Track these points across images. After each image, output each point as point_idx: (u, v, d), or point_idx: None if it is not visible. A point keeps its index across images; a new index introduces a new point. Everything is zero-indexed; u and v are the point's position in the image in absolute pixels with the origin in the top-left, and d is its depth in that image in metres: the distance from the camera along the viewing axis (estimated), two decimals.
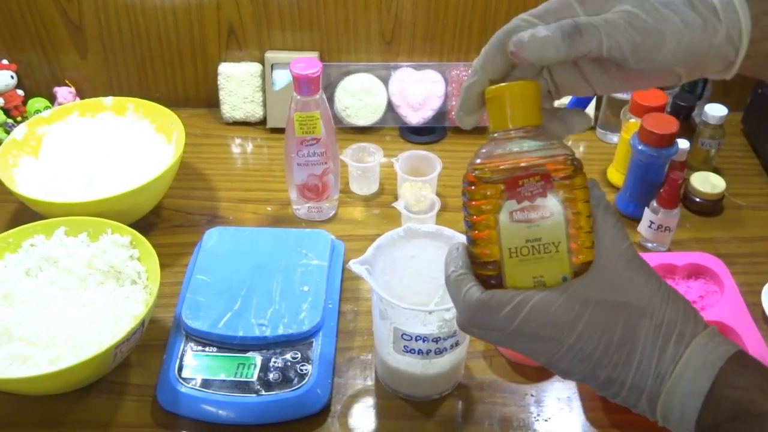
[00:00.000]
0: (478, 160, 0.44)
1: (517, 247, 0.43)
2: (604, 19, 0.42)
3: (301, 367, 0.73)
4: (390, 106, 1.14)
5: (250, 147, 1.13)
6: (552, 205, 0.43)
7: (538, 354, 0.44)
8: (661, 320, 0.42)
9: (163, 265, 0.78)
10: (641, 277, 0.43)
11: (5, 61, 1.13)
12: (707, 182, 0.98)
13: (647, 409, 0.43)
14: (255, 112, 1.15)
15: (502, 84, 0.44)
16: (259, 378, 0.72)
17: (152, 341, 0.79)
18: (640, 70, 0.43)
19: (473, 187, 0.43)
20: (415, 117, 1.13)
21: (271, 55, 1.12)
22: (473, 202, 0.43)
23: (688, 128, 1.00)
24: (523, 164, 0.42)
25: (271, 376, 0.72)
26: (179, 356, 0.74)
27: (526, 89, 0.43)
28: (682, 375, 0.41)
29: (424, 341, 0.68)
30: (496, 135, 0.45)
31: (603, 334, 0.42)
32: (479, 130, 1.14)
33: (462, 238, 0.71)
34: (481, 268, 0.45)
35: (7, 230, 0.81)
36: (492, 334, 0.44)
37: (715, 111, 0.99)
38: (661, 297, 0.43)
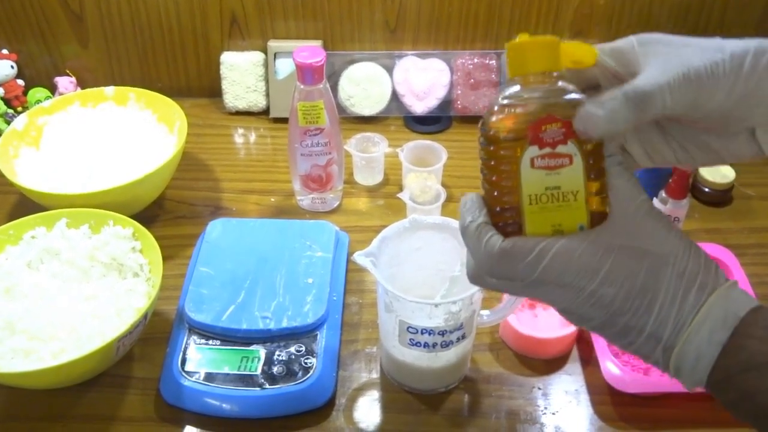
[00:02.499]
0: (497, 107, 0.44)
1: (537, 194, 0.43)
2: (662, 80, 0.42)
3: (306, 360, 0.73)
4: (394, 96, 1.13)
5: (253, 137, 1.12)
6: (572, 152, 0.43)
7: (557, 301, 0.44)
8: (683, 269, 0.42)
9: (165, 257, 0.77)
10: (662, 227, 0.43)
11: (5, 51, 1.12)
12: (716, 172, 0.97)
13: (660, 359, 0.43)
14: (258, 101, 1.14)
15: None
16: (263, 371, 0.72)
17: (155, 334, 0.78)
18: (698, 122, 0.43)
19: (492, 132, 0.43)
20: (420, 106, 1.12)
21: (274, 44, 1.11)
22: (493, 147, 0.43)
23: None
24: (544, 110, 0.42)
25: (275, 369, 0.72)
26: (182, 349, 0.74)
27: (545, 38, 0.44)
28: (702, 324, 0.41)
29: (430, 334, 0.67)
30: (515, 80, 0.44)
31: (625, 280, 0.42)
32: None
33: None
34: (499, 216, 0.45)
35: (8, 222, 0.81)
36: (511, 284, 0.44)
37: None
38: (683, 247, 0.43)
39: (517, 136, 0.43)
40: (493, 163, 0.44)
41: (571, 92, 0.43)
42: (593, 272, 0.42)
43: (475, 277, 0.46)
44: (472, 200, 0.46)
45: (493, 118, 0.43)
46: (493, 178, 0.44)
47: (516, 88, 0.44)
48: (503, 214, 0.44)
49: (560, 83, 0.44)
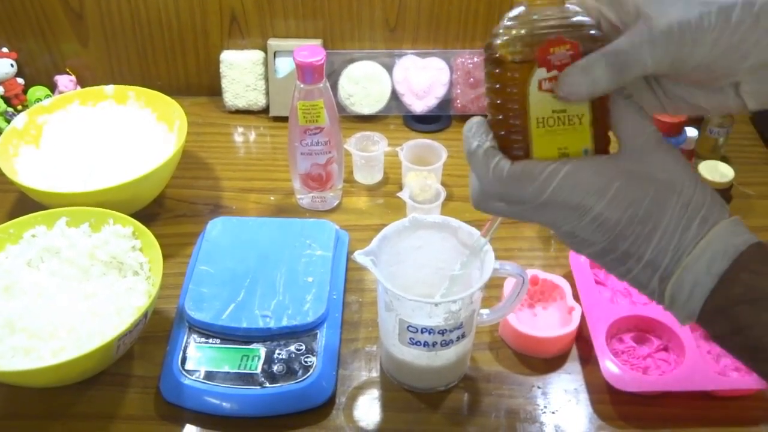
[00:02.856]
0: (502, 29, 0.43)
1: (544, 117, 0.44)
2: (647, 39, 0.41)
3: (306, 359, 0.73)
4: (394, 95, 1.13)
5: (252, 136, 1.12)
6: None
7: (562, 223, 0.44)
8: (688, 200, 0.42)
9: (165, 256, 0.77)
10: (670, 157, 0.43)
11: (5, 49, 1.12)
12: (715, 171, 0.97)
13: (656, 289, 0.44)
14: (258, 100, 1.14)
15: None
16: (263, 370, 0.72)
17: (155, 333, 0.78)
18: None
19: (499, 55, 0.43)
20: (420, 105, 1.12)
21: (273, 43, 1.11)
22: (499, 70, 0.43)
23: (697, 116, 0.99)
24: (552, 32, 0.42)
25: (275, 368, 0.72)
26: (182, 348, 0.74)
27: None
28: (701, 254, 0.41)
29: (429, 333, 0.67)
30: (521, 2, 0.44)
31: (630, 205, 0.42)
32: None
33: (469, 230, 0.70)
34: (505, 140, 0.45)
35: (8, 221, 0.81)
36: (517, 207, 0.45)
37: None
38: (690, 179, 0.43)
39: (525, 58, 0.42)
40: (498, 86, 0.44)
41: (579, 15, 0.43)
42: (600, 193, 0.42)
43: (480, 202, 0.46)
44: (478, 124, 0.46)
45: (499, 41, 0.43)
46: (499, 102, 0.44)
47: (522, 9, 0.43)
48: (509, 137, 0.44)
49: (567, 5, 0.43)
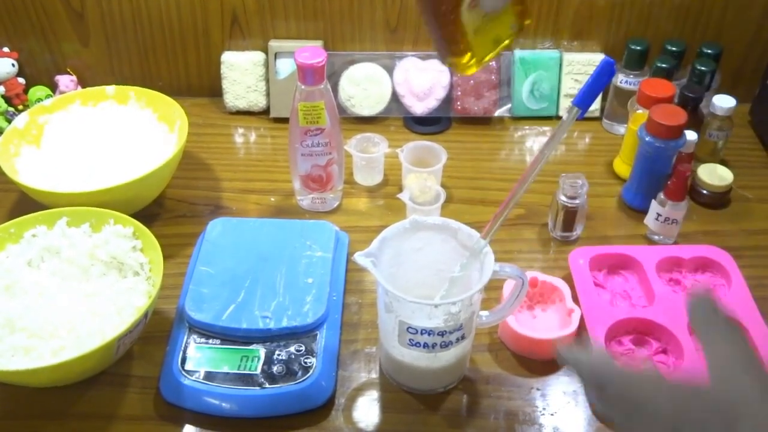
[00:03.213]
0: None
1: (477, 25, 0.56)
2: None
3: (305, 360, 0.73)
4: (395, 96, 1.13)
5: (253, 137, 1.13)
6: None
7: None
8: (762, 422, 0.42)
9: (166, 256, 0.77)
10: (746, 381, 0.44)
11: (6, 49, 1.12)
12: (714, 174, 0.97)
13: None
14: (258, 101, 1.14)
15: None
16: (262, 371, 0.72)
17: (155, 333, 0.78)
18: None
19: None
20: (420, 107, 1.12)
21: (274, 44, 1.11)
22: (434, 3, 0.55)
23: (696, 120, 0.99)
24: None
25: (275, 368, 0.72)
26: (182, 348, 0.74)
27: None
28: None
29: (429, 335, 0.67)
30: None
31: (702, 424, 0.43)
32: (484, 121, 1.14)
33: (469, 232, 0.70)
34: (449, 49, 0.57)
35: (9, 220, 0.81)
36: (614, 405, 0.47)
37: (723, 102, 0.98)
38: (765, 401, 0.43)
39: None
40: (434, 12, 0.55)
41: None
42: (677, 414, 0.44)
43: (601, 401, 0.49)
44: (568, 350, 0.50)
45: None
46: (438, 26, 0.55)
47: None
48: (451, 48, 0.57)
49: None
